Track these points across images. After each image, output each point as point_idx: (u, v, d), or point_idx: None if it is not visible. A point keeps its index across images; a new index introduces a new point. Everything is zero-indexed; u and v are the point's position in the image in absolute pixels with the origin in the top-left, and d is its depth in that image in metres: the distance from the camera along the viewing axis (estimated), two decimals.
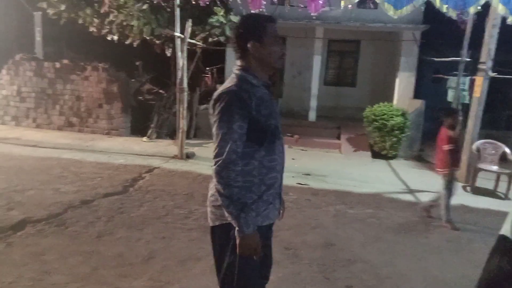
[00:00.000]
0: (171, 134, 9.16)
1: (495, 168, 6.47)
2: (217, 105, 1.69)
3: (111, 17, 8.71)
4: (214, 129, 1.70)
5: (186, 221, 4.31)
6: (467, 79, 8.27)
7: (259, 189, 1.78)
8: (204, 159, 7.48)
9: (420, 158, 9.22)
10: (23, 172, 5.73)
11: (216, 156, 1.67)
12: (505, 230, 1.98)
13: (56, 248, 3.47)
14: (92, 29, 9.25)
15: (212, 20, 8.61)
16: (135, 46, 9.18)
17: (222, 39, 8.97)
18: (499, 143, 6.64)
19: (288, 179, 6.46)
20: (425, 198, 5.74)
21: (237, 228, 1.69)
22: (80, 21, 9.12)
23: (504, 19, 5.82)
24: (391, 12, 5.64)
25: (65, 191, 5.02)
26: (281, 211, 2.01)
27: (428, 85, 12.17)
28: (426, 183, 6.57)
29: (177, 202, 4.90)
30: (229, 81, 1.76)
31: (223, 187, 1.67)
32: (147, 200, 4.89)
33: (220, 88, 1.75)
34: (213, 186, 1.79)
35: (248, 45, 1.75)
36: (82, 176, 5.70)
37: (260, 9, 6.62)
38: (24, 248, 3.42)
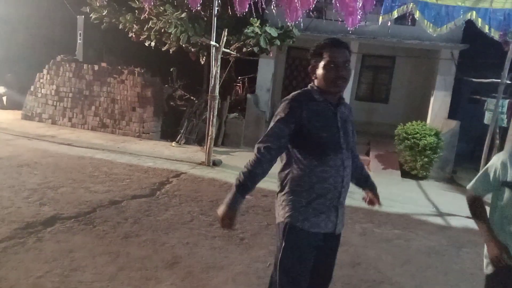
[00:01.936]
0: (200, 141, 9.27)
1: None
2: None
3: (150, 24, 8.96)
4: None
5: (210, 228, 4.32)
6: (506, 101, 7.97)
7: (308, 196, 1.93)
8: (230, 167, 7.51)
9: (452, 181, 8.92)
10: (58, 169, 5.92)
11: (257, 143, 1.95)
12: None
13: (84, 246, 3.55)
14: (131, 34, 9.54)
15: (248, 30, 8.71)
16: (171, 53, 9.40)
17: (256, 49, 9.05)
18: None
19: None
20: (455, 222, 5.53)
21: (228, 197, 1.92)
22: (121, 26, 9.43)
23: None
24: (430, 29, 5.55)
25: (95, 190, 5.15)
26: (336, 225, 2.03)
27: (465, 106, 11.82)
28: (457, 206, 6.32)
29: (203, 208, 4.93)
30: (295, 92, 2.03)
31: (245, 165, 1.95)
32: (173, 205, 4.94)
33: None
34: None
35: (309, 67, 2.04)
36: (113, 177, 5.83)
37: (297, 21, 6.61)
38: (54, 244, 3.52)
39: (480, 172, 2.18)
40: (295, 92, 2.01)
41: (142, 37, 9.42)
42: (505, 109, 8.07)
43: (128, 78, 9.60)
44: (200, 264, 3.48)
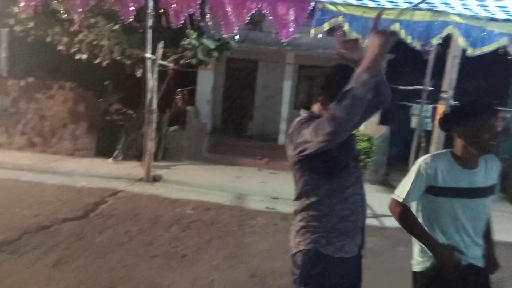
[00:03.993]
0: (139, 156, 8.95)
1: None
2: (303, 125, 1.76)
3: (80, 36, 8.57)
4: (310, 136, 1.67)
5: (150, 247, 4.16)
6: (430, 106, 8.59)
7: (331, 220, 1.80)
8: (172, 182, 7.33)
9: (386, 183, 9.40)
10: None
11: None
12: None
13: (10, 277, 3.25)
14: (61, 47, 9.06)
15: (185, 42, 8.63)
16: (104, 66, 9.04)
17: (194, 61, 8.99)
18: None
19: (257, 203, 6.42)
20: (389, 222, 5.82)
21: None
22: (49, 39, 8.92)
23: (464, 51, 6.12)
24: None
25: (22, 215, 4.76)
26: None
27: (394, 112, 12.54)
28: None
29: (141, 227, 4.74)
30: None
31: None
32: (109, 226, 4.70)
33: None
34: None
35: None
36: (42, 200, 5.44)
37: (233, 33, 6.66)
38: None
39: (406, 180, 2.07)
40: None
41: (72, 50, 8.97)
42: (429, 114, 8.69)
43: (58, 93, 9.09)
44: (140, 286, 3.33)
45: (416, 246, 2.17)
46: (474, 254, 2.03)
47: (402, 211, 2.05)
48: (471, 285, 1.99)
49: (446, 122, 2.13)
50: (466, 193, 1.98)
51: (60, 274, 3.41)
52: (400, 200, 2.05)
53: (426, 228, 2.06)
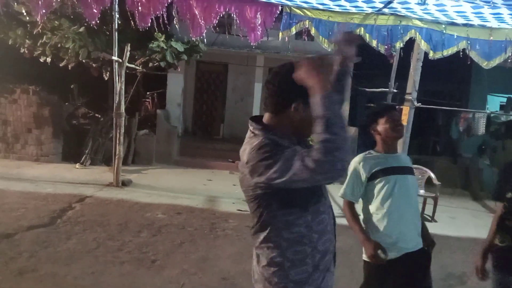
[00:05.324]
0: (107, 161, 8.78)
1: (422, 192, 6.90)
2: None
3: (44, 39, 8.32)
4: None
5: (118, 253, 4.09)
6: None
7: (313, 259, 1.51)
8: (142, 186, 7.23)
9: None
10: None
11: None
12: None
13: None
14: (23, 50, 8.76)
15: (153, 45, 8.54)
16: (69, 69, 8.81)
17: (162, 64, 8.90)
18: (425, 168, 7.12)
19: (228, 205, 6.42)
20: None
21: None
22: (11, 42, 8.60)
23: (426, 54, 6.36)
24: (325, 45, 5.95)
25: None
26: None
27: (362, 114, 12.87)
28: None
29: (110, 233, 4.65)
30: None
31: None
32: (76, 232, 4.58)
33: None
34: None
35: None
36: (5, 207, 5.23)
37: (201, 37, 6.65)
38: None
39: (349, 179, 2.42)
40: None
41: (36, 53, 8.70)
42: None
43: (21, 97, 8.79)
44: None
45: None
46: (408, 238, 2.32)
47: (348, 206, 2.44)
48: (411, 273, 2.29)
49: (364, 128, 2.69)
50: (397, 170, 2.37)
51: (23, 284, 3.30)
52: (345, 197, 2.45)
53: (365, 217, 2.44)
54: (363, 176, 2.37)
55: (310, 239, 1.50)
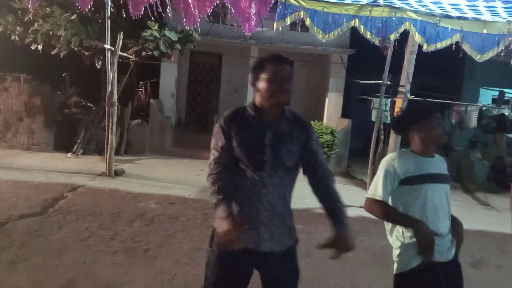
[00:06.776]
0: (100, 150, 8.73)
1: None
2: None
3: (35, 26, 8.19)
4: None
5: (111, 243, 4.09)
6: (388, 100, 8.87)
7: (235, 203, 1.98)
8: (134, 176, 7.20)
9: (348, 174, 9.67)
10: None
11: None
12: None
13: None
14: (14, 37, 8.62)
15: (146, 34, 8.44)
16: (61, 57, 8.70)
17: (156, 53, 8.81)
18: None
19: None
20: (351, 212, 6.00)
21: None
22: (1, 29, 8.46)
23: (420, 49, 6.36)
24: (320, 36, 5.92)
25: None
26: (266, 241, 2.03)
27: (355, 105, 12.88)
28: (352, 198, 6.84)
29: (102, 223, 4.64)
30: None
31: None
32: (68, 222, 4.56)
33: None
34: None
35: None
36: None
37: (195, 26, 6.59)
38: None
39: (377, 180, 2.25)
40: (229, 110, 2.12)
41: (27, 40, 8.56)
42: (388, 107, 8.97)
43: (13, 85, 8.68)
44: (100, 283, 3.27)
45: (395, 249, 2.28)
46: (441, 247, 2.18)
47: (383, 208, 2.24)
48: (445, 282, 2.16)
49: (399, 124, 2.46)
50: (432, 178, 2.22)
51: (14, 274, 3.28)
52: (379, 198, 2.22)
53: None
54: (398, 175, 2.21)
55: (236, 191, 2.03)
